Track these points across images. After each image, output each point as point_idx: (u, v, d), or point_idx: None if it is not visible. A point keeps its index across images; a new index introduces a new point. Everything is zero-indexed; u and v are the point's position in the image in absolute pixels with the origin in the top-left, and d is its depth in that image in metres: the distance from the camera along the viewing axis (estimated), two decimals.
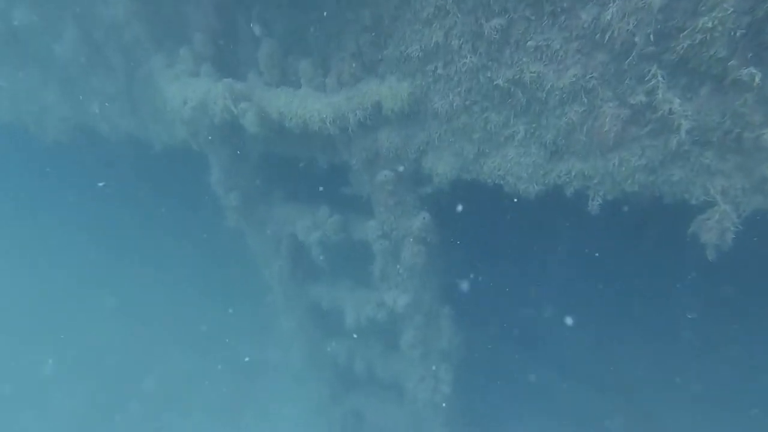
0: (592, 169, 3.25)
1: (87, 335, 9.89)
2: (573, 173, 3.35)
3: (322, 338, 7.09)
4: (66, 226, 10.94)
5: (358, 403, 7.99)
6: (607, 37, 2.65)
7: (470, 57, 3.12)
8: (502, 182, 3.67)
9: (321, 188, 4.72)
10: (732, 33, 2.37)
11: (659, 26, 2.54)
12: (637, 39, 2.61)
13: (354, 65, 3.63)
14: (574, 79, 2.86)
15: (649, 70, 2.68)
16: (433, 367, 5.76)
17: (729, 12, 2.33)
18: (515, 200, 3.69)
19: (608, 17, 2.58)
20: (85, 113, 4.64)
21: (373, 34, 3.41)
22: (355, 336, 5.85)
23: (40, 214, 10.96)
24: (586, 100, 2.87)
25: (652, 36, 2.57)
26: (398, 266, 5.06)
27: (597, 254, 5.68)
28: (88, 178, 7.50)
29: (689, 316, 6.41)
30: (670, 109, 2.58)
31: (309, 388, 8.28)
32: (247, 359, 6.71)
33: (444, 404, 5.98)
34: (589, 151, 3.18)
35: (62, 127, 4.92)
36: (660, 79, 2.63)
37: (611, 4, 2.56)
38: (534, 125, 3.29)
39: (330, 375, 7.61)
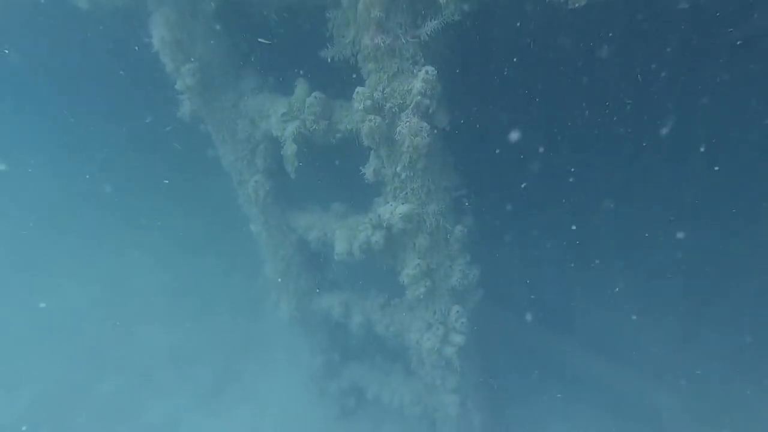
0: None
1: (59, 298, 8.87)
2: None
3: (312, 287, 5.86)
4: None
5: (358, 376, 6.66)
6: None
7: None
8: None
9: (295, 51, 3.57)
10: None
11: None
12: None
13: None
14: None
15: None
16: (442, 310, 4.45)
17: None
18: (559, 23, 2.48)
19: None
20: None
21: None
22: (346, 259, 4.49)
23: None
24: None
25: None
26: (396, 166, 3.85)
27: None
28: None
29: None
30: None
31: (300, 359, 7.03)
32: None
33: (456, 363, 4.64)
34: None
35: None
36: None
37: None
38: None
39: (323, 336, 6.33)
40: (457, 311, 4.40)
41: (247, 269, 7.44)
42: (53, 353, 8.33)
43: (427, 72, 3.07)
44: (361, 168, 3.96)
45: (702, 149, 4.92)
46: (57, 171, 9.50)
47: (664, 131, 4.13)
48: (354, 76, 3.40)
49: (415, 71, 3.15)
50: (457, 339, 4.40)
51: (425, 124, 3.35)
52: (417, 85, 3.12)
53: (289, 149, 3.85)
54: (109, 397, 8.01)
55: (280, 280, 5.60)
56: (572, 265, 5.99)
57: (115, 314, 8.80)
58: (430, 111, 3.32)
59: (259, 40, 3.58)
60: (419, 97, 3.18)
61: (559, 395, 5.78)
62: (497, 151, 4.02)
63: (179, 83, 3.68)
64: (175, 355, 8.46)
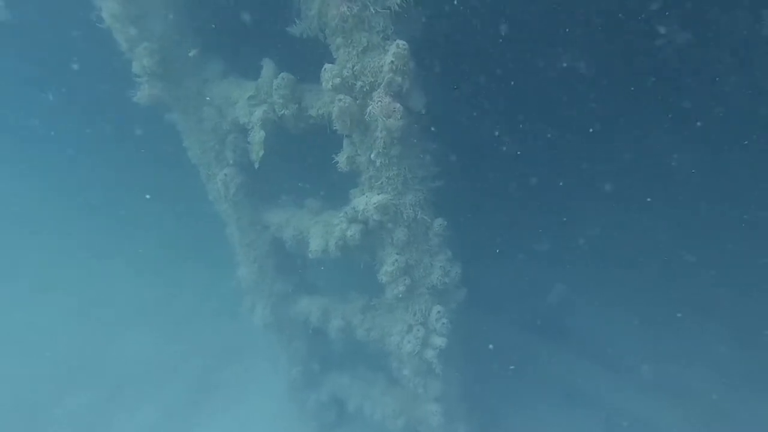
0: None
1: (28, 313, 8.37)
2: None
3: (288, 289, 5.52)
4: None
5: (338, 387, 6.27)
6: None
7: None
8: None
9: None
10: None
11: None
12: None
13: None
14: None
15: None
16: (423, 310, 4.15)
17: None
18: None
19: None
20: None
21: None
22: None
23: None
24: None
25: None
26: (370, 152, 3.61)
27: None
28: None
29: None
30: None
31: (278, 368, 6.64)
32: None
33: (437, 367, 4.31)
34: None
35: None
36: None
37: None
38: None
39: (301, 344, 5.96)
40: (438, 312, 4.10)
41: (232, 275, 7.16)
42: (21, 365, 7.85)
43: (398, 46, 2.86)
44: (334, 156, 3.73)
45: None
46: (33, 172, 9.15)
47: (655, 121, 3.96)
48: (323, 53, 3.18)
49: (386, 46, 2.95)
50: (438, 341, 4.09)
51: (398, 104, 3.12)
52: (388, 59, 2.91)
53: (257, 135, 3.60)
54: (78, 411, 7.52)
55: (253, 283, 5.29)
56: (564, 265, 5.74)
57: (91, 324, 8.36)
58: (404, 90, 3.10)
59: (190, 54, 3.37)
60: (391, 75, 2.96)
61: (511, 366, 5.44)
62: (479, 140, 3.80)
63: (135, 65, 3.42)
64: (151, 366, 8.01)
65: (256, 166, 3.66)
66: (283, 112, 3.53)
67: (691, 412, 5.95)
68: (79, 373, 7.87)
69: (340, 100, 3.12)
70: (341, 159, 3.64)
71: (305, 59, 3.53)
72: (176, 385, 7.78)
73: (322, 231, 4.22)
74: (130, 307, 8.88)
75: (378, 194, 3.66)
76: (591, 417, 5.91)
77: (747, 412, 5.89)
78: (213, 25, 3.47)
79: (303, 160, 4.36)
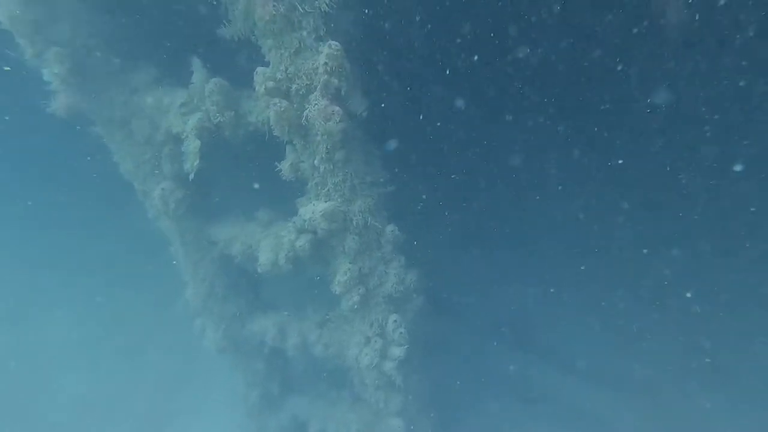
0: None
1: None
2: None
3: (241, 309, 5.24)
4: None
5: (299, 409, 5.97)
6: None
7: None
8: None
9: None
10: None
11: None
12: None
13: None
14: None
15: None
16: (380, 320, 4.00)
17: None
18: None
19: None
20: None
21: None
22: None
23: None
24: None
25: None
26: (313, 158, 3.47)
27: None
28: None
29: None
30: None
31: (236, 393, 6.27)
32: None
33: (398, 379, 4.16)
34: None
35: None
36: None
37: None
38: None
39: (259, 365, 5.65)
40: (395, 321, 3.97)
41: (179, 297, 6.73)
42: None
43: (330, 46, 2.76)
44: (276, 164, 3.57)
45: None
46: None
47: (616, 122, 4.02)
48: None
49: (319, 47, 2.85)
50: (397, 352, 3.95)
51: (337, 107, 3.02)
52: (321, 61, 2.81)
53: (192, 145, 3.39)
54: None
55: (202, 304, 4.98)
56: (523, 267, 5.75)
57: (21, 360, 7.61)
58: (342, 93, 3.00)
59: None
60: (326, 76, 2.86)
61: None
62: (427, 143, 3.75)
63: (45, 72, 3.13)
64: (93, 404, 7.36)
65: (191, 177, 3.44)
66: (218, 119, 3.35)
67: (645, 408, 6.04)
68: (16, 415, 7.15)
69: (275, 104, 2.98)
70: (284, 166, 3.48)
71: (241, 63, 3.39)
72: (126, 421, 7.21)
73: (272, 244, 4.02)
74: (69, 341, 8.17)
75: (325, 201, 3.52)
76: (553, 421, 5.88)
77: (697, 406, 6.02)
78: (134, 27, 3.25)
79: (249, 169, 4.16)
